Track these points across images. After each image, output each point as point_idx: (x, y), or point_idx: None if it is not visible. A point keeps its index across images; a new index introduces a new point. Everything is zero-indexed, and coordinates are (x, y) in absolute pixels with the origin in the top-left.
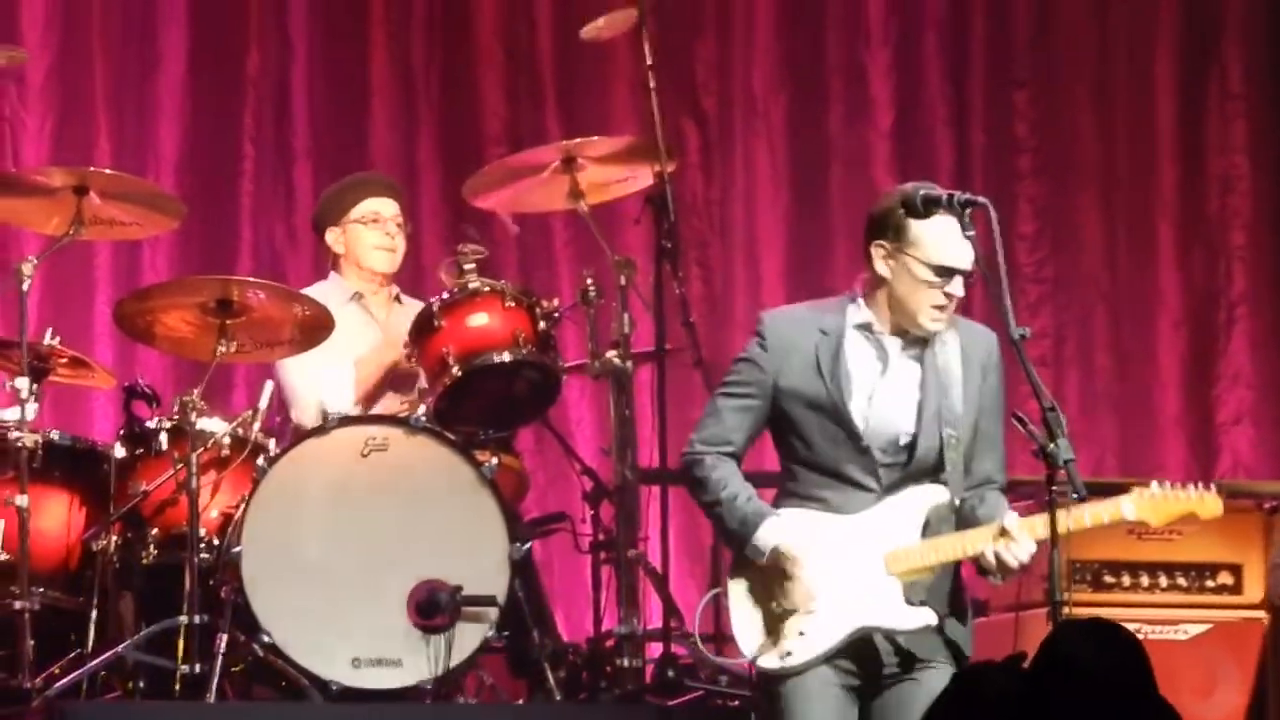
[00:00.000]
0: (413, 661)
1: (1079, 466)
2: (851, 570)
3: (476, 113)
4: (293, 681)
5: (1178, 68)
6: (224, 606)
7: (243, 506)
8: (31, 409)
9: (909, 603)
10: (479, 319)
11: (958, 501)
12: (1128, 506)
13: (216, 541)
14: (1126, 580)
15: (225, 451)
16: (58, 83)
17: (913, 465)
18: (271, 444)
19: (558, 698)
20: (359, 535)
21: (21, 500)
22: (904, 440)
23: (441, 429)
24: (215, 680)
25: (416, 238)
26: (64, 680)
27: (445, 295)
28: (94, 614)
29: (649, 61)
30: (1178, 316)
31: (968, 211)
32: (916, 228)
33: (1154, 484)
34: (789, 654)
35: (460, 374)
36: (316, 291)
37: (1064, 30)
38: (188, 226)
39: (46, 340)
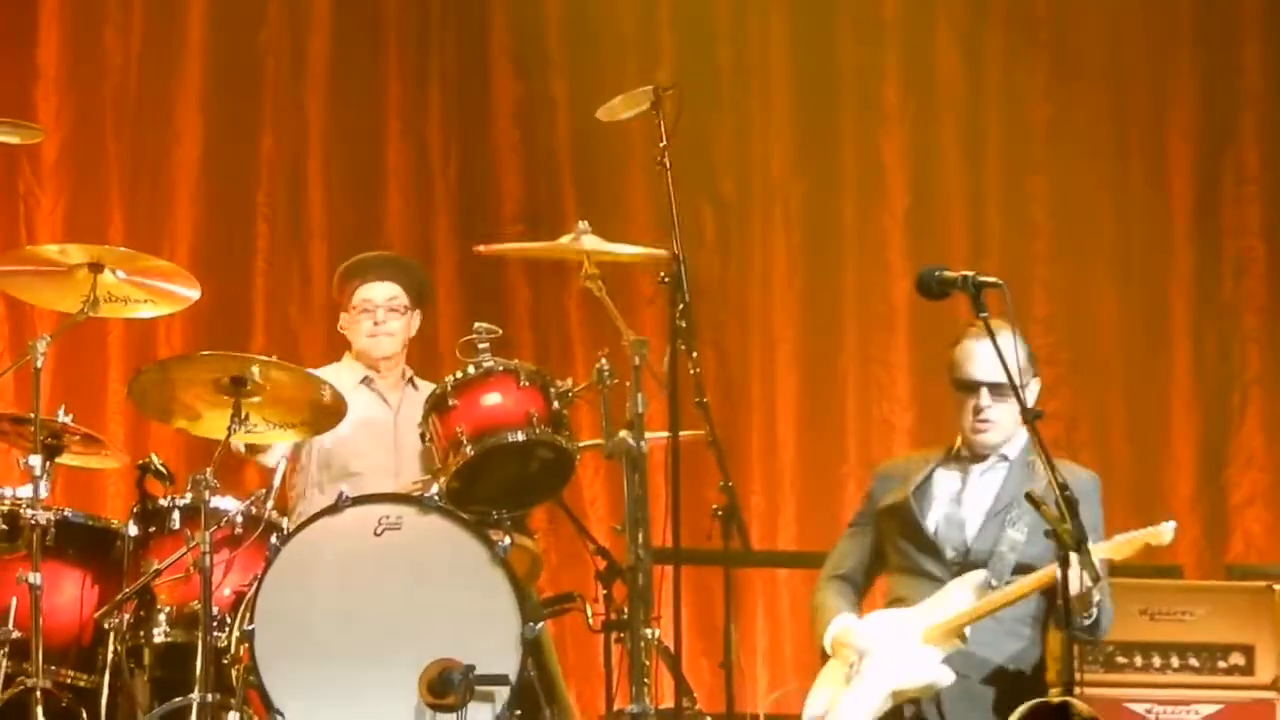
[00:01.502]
0: None
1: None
2: (893, 648)
3: (493, 193)
4: None
5: (1194, 151)
6: (236, 685)
7: (255, 585)
8: (45, 486)
9: (928, 663)
10: (493, 398)
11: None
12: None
13: (229, 620)
14: (1139, 660)
15: (238, 530)
16: (71, 160)
17: (968, 563)
18: (285, 522)
19: None
20: (372, 613)
21: (34, 578)
22: (969, 542)
23: (455, 508)
24: None
25: (431, 318)
26: None
27: (459, 374)
28: (106, 692)
29: (664, 142)
30: (1191, 399)
31: (983, 293)
32: (952, 354)
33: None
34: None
35: (474, 453)
36: (330, 372)
37: (1080, 114)
38: (201, 305)
39: (60, 418)
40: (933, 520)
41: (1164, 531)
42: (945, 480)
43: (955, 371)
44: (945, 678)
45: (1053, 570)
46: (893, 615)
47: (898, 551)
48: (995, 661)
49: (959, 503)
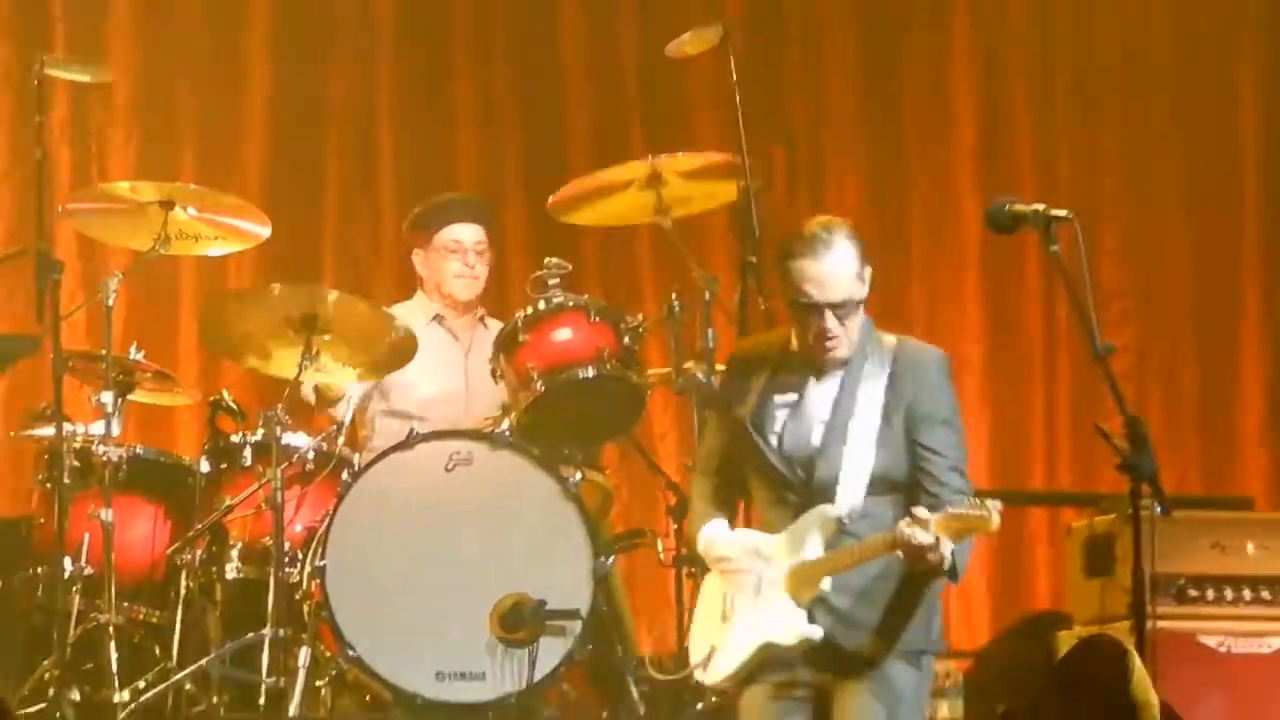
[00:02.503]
0: (496, 675)
1: (1163, 480)
2: (759, 591)
3: (561, 131)
4: (376, 695)
5: (1264, 84)
6: (308, 620)
7: (327, 521)
8: (117, 424)
9: (801, 616)
10: (563, 334)
11: (847, 520)
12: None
13: (300, 556)
14: (1210, 594)
15: (309, 466)
16: (143, 99)
17: (816, 483)
18: (356, 458)
19: (640, 711)
20: (443, 549)
21: (106, 515)
22: (812, 457)
23: (526, 444)
24: (299, 694)
25: (502, 256)
26: (148, 693)
27: (530, 310)
28: (178, 628)
29: (734, 78)
30: (1260, 332)
31: (1053, 226)
32: (785, 266)
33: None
34: (716, 669)
35: (544, 389)
36: (402, 309)
37: (1150, 47)
38: (271, 244)
39: (131, 355)
40: (775, 443)
41: (991, 514)
42: (781, 395)
43: (794, 294)
44: (814, 634)
45: (901, 532)
46: (758, 542)
47: (747, 472)
48: (853, 613)
49: (799, 418)
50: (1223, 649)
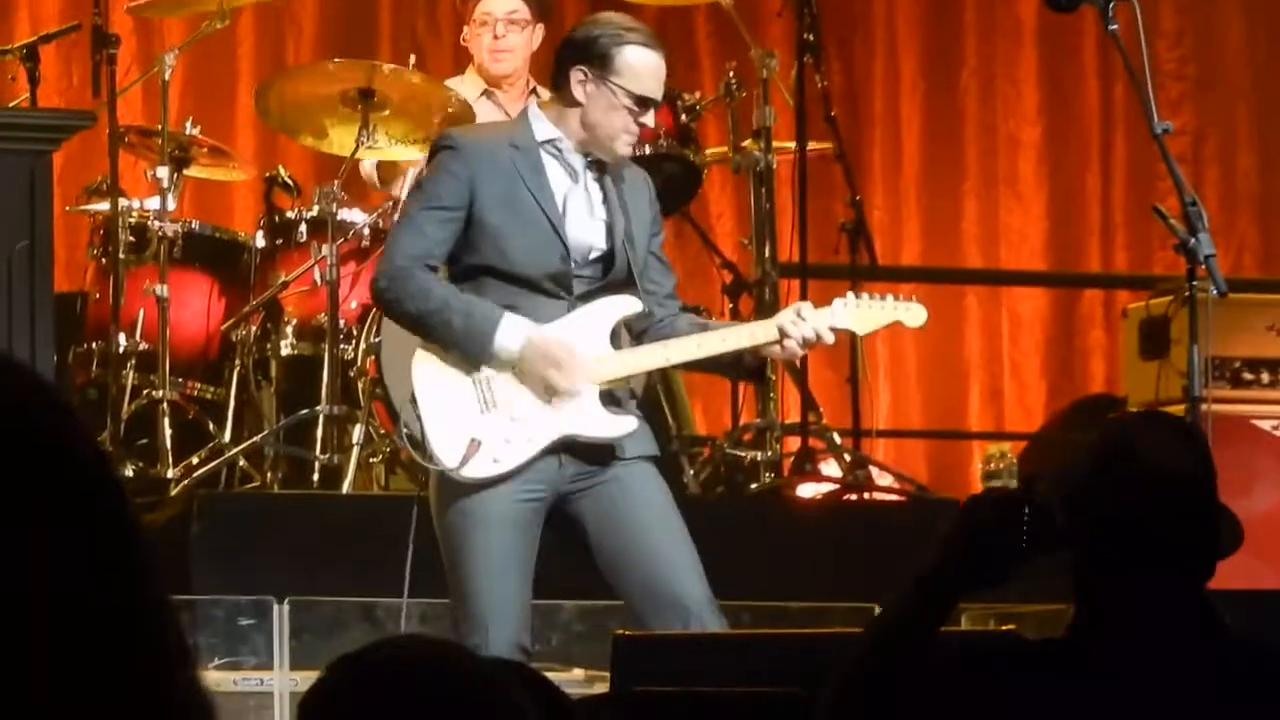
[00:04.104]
0: None
1: (1219, 263)
2: (567, 337)
3: None
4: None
5: None
6: (362, 398)
7: None
8: (172, 199)
9: (610, 410)
10: None
11: (649, 310)
12: (837, 313)
13: (355, 332)
14: (1265, 377)
15: (365, 242)
16: None
17: (607, 279)
18: None
19: (694, 491)
20: None
21: (161, 290)
22: (595, 254)
23: None
24: (352, 471)
25: (559, 28)
26: (202, 470)
27: None
28: (232, 404)
29: None
30: None
31: (1112, 4)
32: (621, 57)
33: (850, 295)
34: (496, 461)
35: None
36: (454, 84)
37: None
38: (327, 21)
39: (188, 130)
40: (563, 221)
41: (915, 313)
42: (552, 172)
43: (632, 82)
44: (633, 426)
45: (770, 325)
46: (565, 332)
47: (504, 255)
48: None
49: (573, 203)
50: (1277, 432)
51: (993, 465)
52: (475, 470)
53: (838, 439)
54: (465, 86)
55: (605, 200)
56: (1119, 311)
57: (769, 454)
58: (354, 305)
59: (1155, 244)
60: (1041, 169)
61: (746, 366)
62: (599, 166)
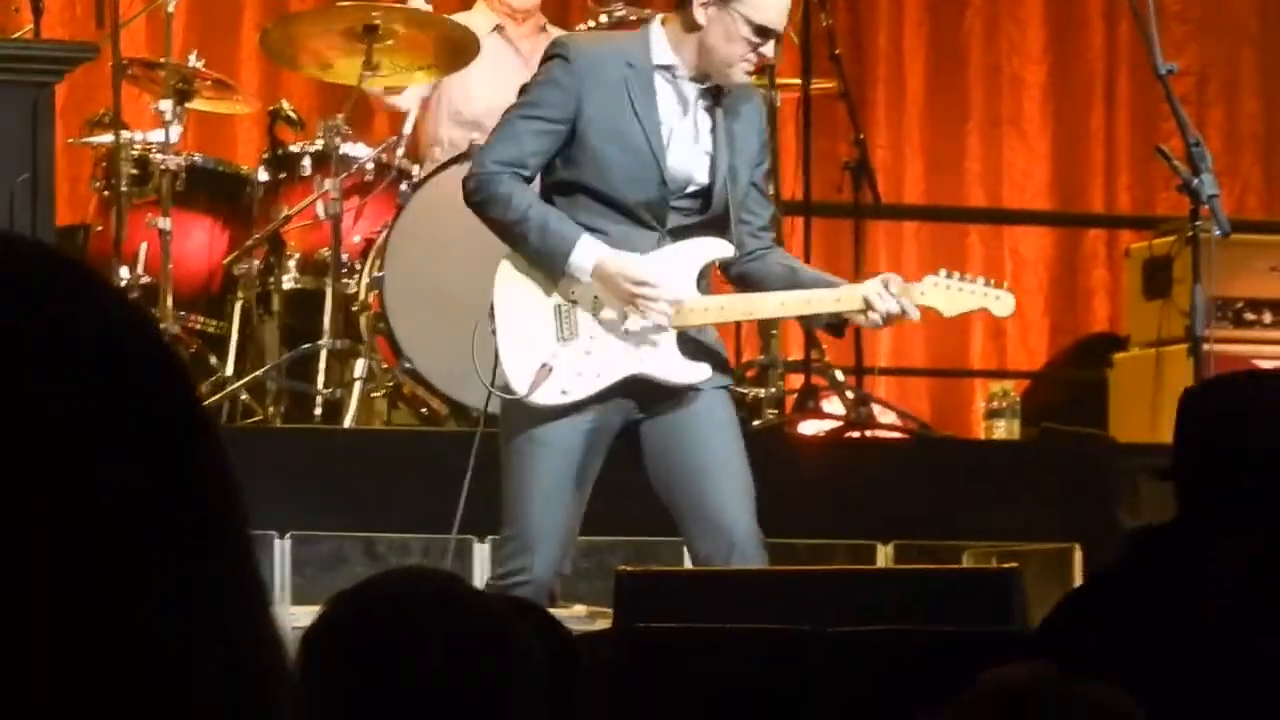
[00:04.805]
0: None
1: (1222, 203)
2: (646, 266)
3: None
4: (432, 409)
5: None
6: (365, 332)
7: (386, 232)
8: (175, 132)
9: (685, 354)
10: None
11: (740, 241)
12: (926, 290)
13: (358, 267)
14: (1268, 317)
15: (369, 177)
16: None
17: (705, 215)
18: (415, 170)
19: None
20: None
21: (164, 223)
22: (694, 188)
23: None
24: (354, 405)
25: None
26: (205, 403)
27: (591, 24)
28: (235, 338)
29: None
30: None
31: None
32: None
33: (942, 272)
34: (564, 392)
35: None
36: (462, 19)
37: None
38: None
39: (191, 63)
40: (665, 150)
41: (1004, 302)
42: (664, 97)
43: (753, 12)
44: (704, 376)
45: (856, 295)
46: (652, 265)
47: (603, 177)
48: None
49: (680, 133)
50: None
51: (995, 404)
52: (542, 397)
53: (840, 376)
54: (475, 20)
55: (713, 131)
56: (1122, 251)
57: (772, 391)
58: (357, 239)
59: (1159, 184)
60: (1046, 108)
61: (825, 322)
62: (712, 94)
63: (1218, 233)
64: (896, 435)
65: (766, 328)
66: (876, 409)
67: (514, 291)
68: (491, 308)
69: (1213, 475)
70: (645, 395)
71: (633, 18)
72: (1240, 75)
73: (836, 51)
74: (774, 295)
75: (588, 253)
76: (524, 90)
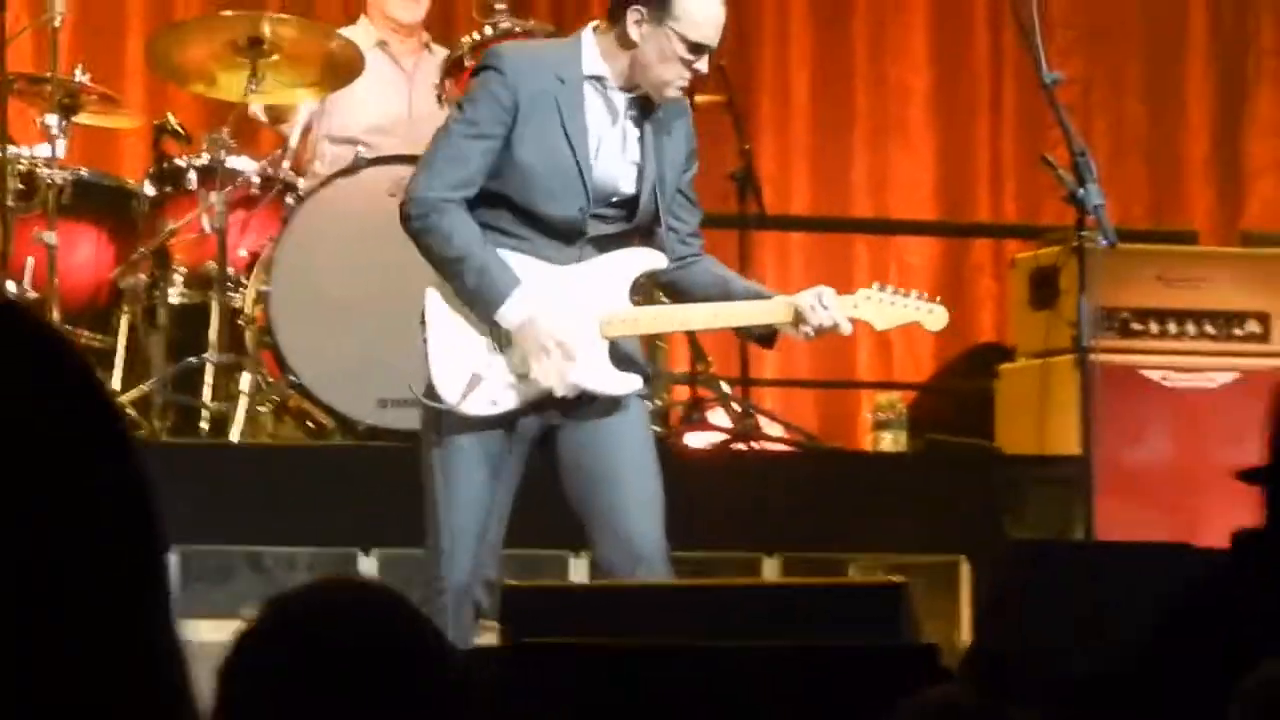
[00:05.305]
0: None
1: (1108, 212)
2: (567, 326)
3: None
4: (318, 421)
5: None
6: (250, 346)
7: (271, 245)
8: (61, 146)
9: (617, 365)
10: None
11: (669, 249)
12: (859, 304)
13: (244, 280)
14: (1154, 327)
15: (254, 190)
16: None
17: (630, 224)
18: (300, 183)
19: None
20: (388, 276)
21: (50, 237)
22: (618, 198)
23: None
24: (240, 419)
25: None
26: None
27: (476, 36)
28: (121, 352)
29: None
30: (1207, 66)
31: None
32: (681, 2)
33: (875, 286)
34: (494, 403)
35: None
36: (345, 34)
37: None
38: None
39: (77, 77)
40: (591, 165)
41: (937, 316)
42: (592, 109)
43: (688, 30)
44: (637, 386)
45: (790, 307)
46: (554, 281)
47: (528, 188)
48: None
49: (608, 144)
50: (1165, 382)
51: (882, 415)
52: (472, 407)
53: (726, 388)
54: (358, 36)
55: (641, 140)
56: (1008, 261)
57: (658, 403)
58: (243, 253)
59: (1045, 192)
60: (930, 117)
61: (755, 334)
62: (641, 103)
63: (1104, 242)
64: (783, 447)
65: (652, 339)
66: (763, 421)
67: (447, 301)
68: (423, 315)
69: None
70: (566, 401)
71: (518, 30)
72: (1126, 82)
73: (721, 62)
74: (707, 307)
75: (518, 309)
76: (459, 105)
